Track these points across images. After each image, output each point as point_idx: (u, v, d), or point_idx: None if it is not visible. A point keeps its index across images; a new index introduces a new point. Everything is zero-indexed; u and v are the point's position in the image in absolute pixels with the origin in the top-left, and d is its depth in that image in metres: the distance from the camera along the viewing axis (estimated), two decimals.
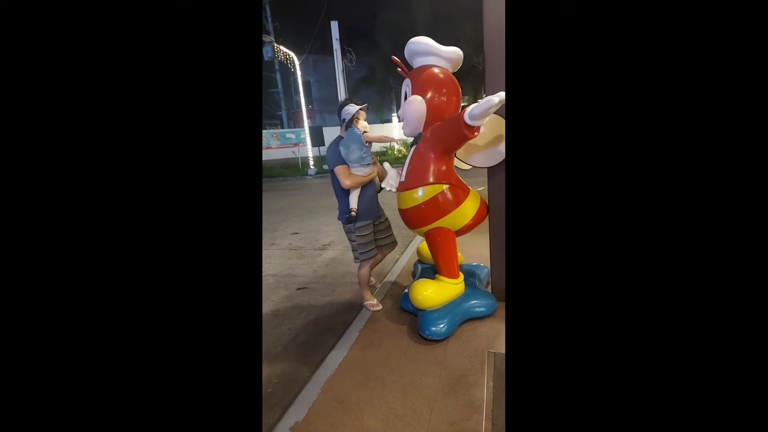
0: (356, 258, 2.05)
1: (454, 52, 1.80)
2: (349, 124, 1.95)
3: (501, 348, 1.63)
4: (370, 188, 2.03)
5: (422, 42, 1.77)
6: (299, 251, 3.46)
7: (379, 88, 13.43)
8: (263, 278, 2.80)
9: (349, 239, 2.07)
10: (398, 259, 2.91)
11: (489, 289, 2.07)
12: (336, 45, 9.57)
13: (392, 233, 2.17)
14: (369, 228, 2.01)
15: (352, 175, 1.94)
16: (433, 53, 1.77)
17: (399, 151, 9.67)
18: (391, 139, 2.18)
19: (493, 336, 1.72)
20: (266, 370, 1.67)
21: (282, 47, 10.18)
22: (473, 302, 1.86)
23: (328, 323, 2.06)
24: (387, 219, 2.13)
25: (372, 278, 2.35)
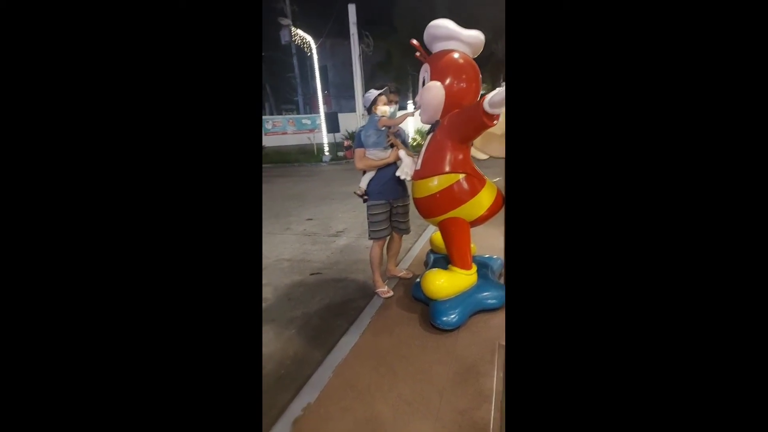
0: (369, 236, 2.13)
1: (476, 36, 1.74)
2: (370, 109, 2.00)
3: None
4: (387, 171, 2.04)
5: (443, 26, 1.71)
6: (313, 237, 3.50)
7: (396, 74, 13.16)
8: (278, 262, 2.86)
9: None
10: (410, 248, 2.91)
11: (502, 281, 2.05)
12: (353, 29, 9.40)
13: (408, 220, 2.18)
14: (382, 209, 2.06)
15: (365, 159, 2.04)
16: (453, 37, 1.72)
17: (413, 139, 9.56)
18: (406, 115, 2.10)
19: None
20: (279, 353, 1.72)
21: (299, 31, 10.08)
22: (485, 294, 1.85)
23: (341, 308, 2.09)
24: (408, 205, 2.14)
25: (405, 270, 2.40)
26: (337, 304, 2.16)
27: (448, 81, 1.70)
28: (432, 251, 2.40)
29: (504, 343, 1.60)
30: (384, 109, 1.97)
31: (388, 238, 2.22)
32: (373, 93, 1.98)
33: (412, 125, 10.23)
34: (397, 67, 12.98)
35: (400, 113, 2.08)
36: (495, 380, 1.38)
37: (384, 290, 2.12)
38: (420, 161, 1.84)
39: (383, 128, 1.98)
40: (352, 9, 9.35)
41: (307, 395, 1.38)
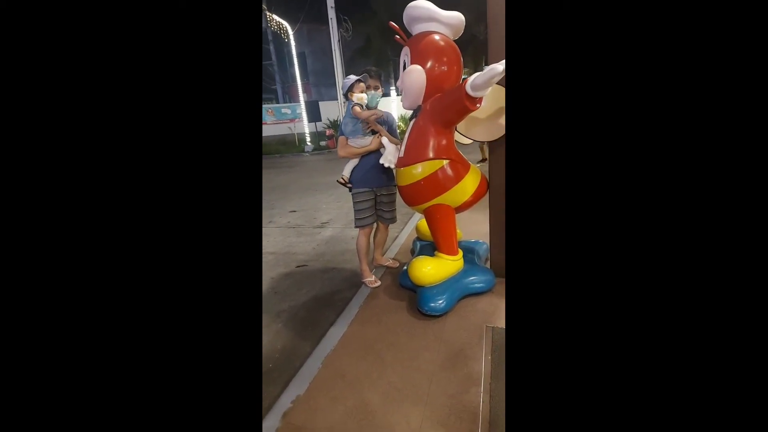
0: (354, 224, 2.11)
1: (456, 17, 1.70)
2: (347, 95, 1.95)
3: (499, 323, 1.65)
4: (369, 159, 2.01)
5: (422, 6, 1.66)
6: (298, 229, 3.45)
7: (377, 60, 12.91)
8: (262, 256, 2.80)
9: None
10: (397, 236, 2.90)
11: (488, 265, 2.07)
12: (331, 14, 9.12)
13: (394, 209, 2.16)
14: (366, 196, 2.04)
15: (347, 146, 2.01)
16: (433, 19, 1.67)
17: (398, 126, 9.47)
18: (376, 114, 1.95)
19: (492, 311, 1.74)
20: (267, 346, 1.69)
21: (275, 16, 9.70)
22: (472, 278, 1.87)
23: (328, 300, 2.08)
24: (394, 194, 2.11)
25: (392, 259, 2.39)
26: (324, 296, 2.14)
27: (429, 64, 1.66)
28: (418, 239, 2.40)
29: (491, 325, 1.62)
30: (360, 96, 1.92)
31: (375, 227, 2.20)
32: (351, 79, 1.93)
33: (397, 112, 10.15)
34: (378, 52, 12.72)
35: (383, 99, 2.04)
36: (483, 363, 1.40)
37: (371, 280, 2.11)
38: (403, 148, 1.81)
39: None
40: None
41: (296, 387, 1.36)
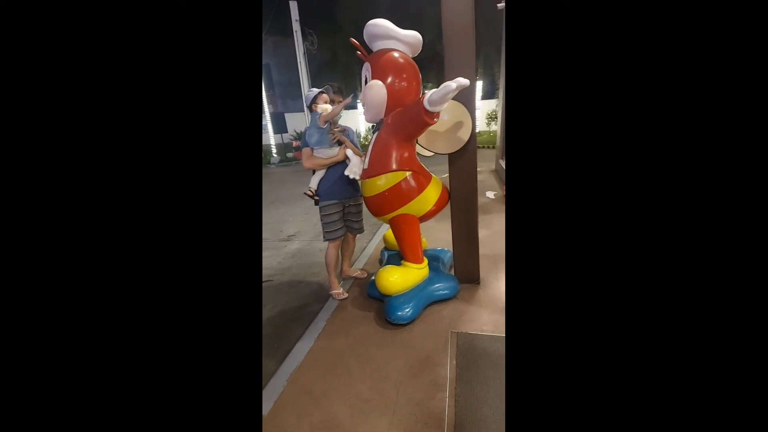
0: (323, 237, 2.09)
1: (413, 36, 1.79)
2: (311, 107, 1.97)
3: (463, 328, 1.70)
4: (336, 170, 2.02)
5: (381, 25, 1.73)
6: (263, 243, 3.36)
7: (343, 73, 13.05)
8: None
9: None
10: (365, 247, 2.91)
11: (452, 272, 2.14)
12: (296, 26, 9.14)
13: (362, 219, 2.18)
14: (334, 208, 2.03)
15: (313, 157, 2.01)
16: (392, 36, 1.74)
17: (365, 138, 9.57)
18: (343, 104, 1.99)
19: (456, 317, 1.79)
20: None
21: None
22: (437, 285, 1.92)
23: (295, 314, 2.03)
24: (361, 204, 2.13)
25: (360, 269, 2.38)
26: (290, 311, 2.09)
27: (389, 79, 1.72)
28: (386, 248, 2.43)
29: (456, 330, 1.67)
30: (324, 107, 1.95)
31: (343, 238, 2.20)
32: (314, 91, 1.96)
33: (364, 125, 10.23)
34: (344, 66, 12.85)
35: (350, 112, 2.07)
36: (448, 368, 1.43)
37: (338, 292, 2.10)
38: (367, 160, 1.84)
39: (324, 126, 1.96)
40: (293, 5, 9.08)
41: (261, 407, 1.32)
